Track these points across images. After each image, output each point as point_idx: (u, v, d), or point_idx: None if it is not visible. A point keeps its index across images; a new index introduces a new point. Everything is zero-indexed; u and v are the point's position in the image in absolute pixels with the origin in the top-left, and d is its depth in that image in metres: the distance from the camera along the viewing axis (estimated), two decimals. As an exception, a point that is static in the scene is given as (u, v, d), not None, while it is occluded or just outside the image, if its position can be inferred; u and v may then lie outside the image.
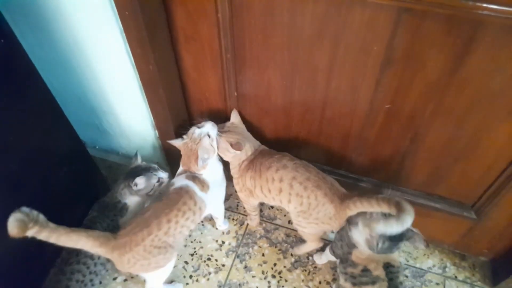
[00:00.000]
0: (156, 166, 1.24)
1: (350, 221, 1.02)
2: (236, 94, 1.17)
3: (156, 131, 1.24)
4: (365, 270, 1.02)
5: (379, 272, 1.00)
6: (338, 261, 1.15)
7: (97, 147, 1.42)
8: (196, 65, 1.13)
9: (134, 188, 1.19)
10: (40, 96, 0.95)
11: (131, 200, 1.23)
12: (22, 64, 0.89)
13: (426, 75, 0.89)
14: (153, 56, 1.00)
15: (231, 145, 1.12)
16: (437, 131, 1.00)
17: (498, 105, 0.88)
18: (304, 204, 1.09)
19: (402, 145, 1.08)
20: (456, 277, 1.33)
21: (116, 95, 1.17)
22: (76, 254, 1.09)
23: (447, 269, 1.35)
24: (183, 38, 1.05)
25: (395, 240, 0.94)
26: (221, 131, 1.14)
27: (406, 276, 1.33)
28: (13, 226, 0.81)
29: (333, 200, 1.05)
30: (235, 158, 1.17)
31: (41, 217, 0.86)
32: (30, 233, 0.84)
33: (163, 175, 1.25)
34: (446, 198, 1.19)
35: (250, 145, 1.18)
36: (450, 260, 1.37)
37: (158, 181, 1.23)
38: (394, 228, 0.85)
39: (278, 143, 1.30)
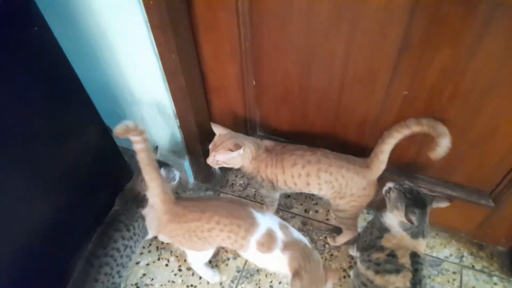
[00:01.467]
0: (170, 164, 1.27)
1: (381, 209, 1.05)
2: (254, 82, 1.19)
3: (178, 120, 1.28)
4: (392, 255, 1.02)
5: (405, 260, 1.00)
6: (358, 253, 1.15)
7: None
8: (215, 54, 1.16)
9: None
10: (69, 83, 1.00)
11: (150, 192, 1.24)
12: (53, 52, 0.93)
13: (443, 59, 0.90)
14: (175, 45, 1.04)
15: (231, 150, 1.14)
16: (454, 117, 1.01)
17: (516, 88, 0.89)
18: (335, 186, 1.15)
19: (419, 132, 1.09)
20: (473, 266, 1.32)
21: (139, 84, 1.21)
22: (103, 246, 1.12)
23: (464, 259, 1.34)
24: (203, 27, 1.08)
25: (421, 206, 0.99)
26: (215, 149, 1.16)
27: (423, 265, 1.33)
28: (120, 127, 0.95)
29: (357, 171, 1.13)
30: (244, 158, 1.19)
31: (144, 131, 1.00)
32: (131, 136, 0.99)
33: (177, 174, 1.27)
34: (463, 185, 1.19)
35: (249, 141, 1.20)
36: (467, 249, 1.37)
37: (174, 177, 1.26)
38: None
39: (295, 132, 1.33)
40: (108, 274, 1.11)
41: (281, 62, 1.09)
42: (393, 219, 1.04)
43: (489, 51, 0.84)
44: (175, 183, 1.28)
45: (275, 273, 1.32)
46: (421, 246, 1.03)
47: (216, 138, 1.20)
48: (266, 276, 1.32)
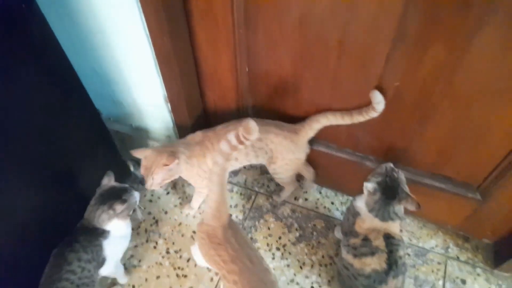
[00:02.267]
0: (128, 186, 1.15)
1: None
2: (247, 70, 1.18)
3: (169, 104, 1.27)
4: (366, 239, 1.06)
5: (379, 242, 1.03)
6: (342, 237, 1.18)
7: (111, 119, 1.46)
8: (208, 40, 1.14)
9: (117, 211, 1.08)
10: (59, 64, 0.98)
11: (110, 225, 1.11)
12: (42, 32, 0.91)
13: (436, 54, 0.89)
14: (168, 28, 1.03)
15: (167, 164, 1.10)
16: (445, 111, 1.01)
17: (508, 86, 0.88)
18: (268, 152, 1.21)
19: (410, 125, 1.09)
20: (458, 257, 1.35)
21: (130, 67, 1.19)
22: (58, 270, 1.02)
23: (449, 250, 1.37)
24: (197, 12, 1.06)
25: (388, 197, 1.03)
26: (150, 172, 1.11)
27: (408, 255, 1.35)
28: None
29: (286, 136, 1.18)
30: (182, 164, 1.16)
31: None
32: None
33: (137, 195, 1.15)
34: (452, 178, 1.20)
35: (177, 146, 1.18)
36: (453, 241, 1.39)
37: (135, 202, 1.14)
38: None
39: (286, 120, 1.32)
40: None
41: (275, 50, 1.08)
42: (361, 198, 1.08)
43: (483, 48, 0.83)
44: (136, 208, 1.17)
45: (262, 259, 1.34)
46: (394, 227, 1.06)
47: (144, 162, 1.13)
48: (254, 261, 1.34)
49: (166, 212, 1.47)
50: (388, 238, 1.04)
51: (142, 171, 1.14)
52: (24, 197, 1.01)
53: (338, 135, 1.27)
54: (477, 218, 1.26)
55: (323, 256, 1.35)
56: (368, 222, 1.07)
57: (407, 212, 1.39)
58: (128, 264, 1.34)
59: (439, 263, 1.34)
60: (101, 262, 1.11)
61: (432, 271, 1.32)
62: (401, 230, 1.40)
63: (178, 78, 1.17)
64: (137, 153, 1.15)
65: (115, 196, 1.09)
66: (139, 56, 1.13)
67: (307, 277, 1.31)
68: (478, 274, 1.31)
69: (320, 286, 1.29)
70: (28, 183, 1.01)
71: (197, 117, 1.35)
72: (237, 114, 1.36)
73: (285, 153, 1.21)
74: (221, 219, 0.98)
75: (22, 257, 1.06)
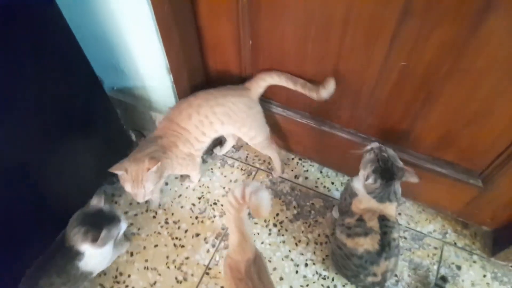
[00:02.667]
0: (117, 215, 1.09)
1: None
2: (251, 42, 1.16)
3: (171, 75, 1.26)
4: (360, 219, 1.06)
5: (373, 223, 1.03)
6: (338, 216, 1.18)
7: (114, 88, 1.46)
8: (211, 10, 1.12)
9: (89, 240, 1.02)
10: (58, 29, 0.97)
11: (85, 249, 1.05)
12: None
13: (444, 32, 0.85)
14: (169, -4, 1.00)
15: (149, 168, 1.07)
16: (450, 93, 0.97)
17: (517, 69, 0.85)
18: (231, 115, 1.21)
19: (414, 106, 1.06)
20: (455, 243, 1.34)
21: (133, 35, 1.18)
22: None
23: (447, 235, 1.36)
24: (199, -19, 1.04)
25: (388, 180, 1.01)
26: (139, 181, 1.08)
27: (405, 238, 1.35)
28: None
29: (241, 94, 1.22)
30: (163, 163, 1.14)
31: None
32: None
33: (124, 226, 1.10)
34: (454, 163, 1.18)
35: (147, 147, 1.14)
36: (452, 227, 1.38)
37: (119, 233, 1.10)
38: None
39: (291, 98, 1.31)
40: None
41: (279, 23, 1.05)
42: (359, 181, 1.07)
43: (491, 28, 0.79)
44: (119, 236, 1.11)
45: (258, 233, 1.36)
46: (390, 209, 1.06)
47: (128, 177, 1.08)
48: (250, 236, 1.36)
49: (166, 184, 1.49)
50: (383, 219, 1.04)
51: (128, 187, 1.09)
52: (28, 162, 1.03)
53: (342, 115, 1.25)
54: (478, 204, 1.25)
55: (319, 235, 1.36)
56: (365, 203, 1.07)
57: (407, 195, 1.40)
58: (127, 232, 1.37)
59: (435, 248, 1.33)
60: (78, 278, 1.07)
61: (428, 256, 1.31)
62: (399, 213, 1.40)
63: (180, 48, 1.16)
64: (115, 169, 1.07)
65: (98, 222, 1.03)
66: (140, 25, 1.11)
67: (302, 254, 1.32)
68: (474, 261, 1.30)
69: (314, 264, 1.30)
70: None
71: (199, 89, 1.33)
72: (240, 89, 1.34)
73: (247, 109, 1.23)
74: (245, 254, 0.97)
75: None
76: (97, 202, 1.08)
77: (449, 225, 1.38)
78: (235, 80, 1.32)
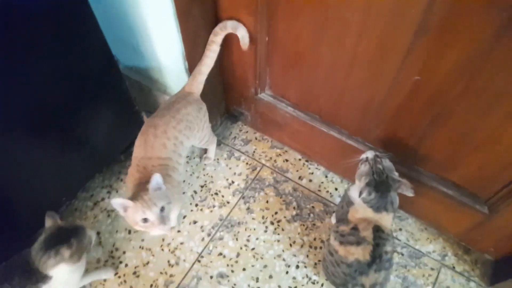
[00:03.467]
0: (80, 226, 1.05)
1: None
2: (267, 39, 1.15)
3: (186, 63, 1.27)
4: (355, 228, 1.05)
5: (367, 233, 1.02)
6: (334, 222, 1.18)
7: (133, 68, 1.49)
8: (231, 3, 1.12)
9: (63, 256, 0.98)
10: (76, 4, 0.99)
11: (57, 270, 1.01)
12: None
13: (460, 50, 0.82)
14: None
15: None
16: (461, 115, 0.94)
17: (533, 97, 0.80)
18: (192, 126, 1.19)
19: (423, 123, 1.03)
20: (454, 267, 1.30)
21: (153, 18, 1.18)
22: None
23: (446, 258, 1.32)
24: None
25: (383, 192, 1.00)
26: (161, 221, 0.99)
27: (402, 254, 1.32)
28: None
29: (190, 101, 1.20)
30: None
31: None
32: None
33: (92, 234, 1.08)
34: (461, 186, 1.14)
35: (132, 187, 1.07)
36: (453, 250, 1.34)
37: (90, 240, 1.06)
38: None
39: (301, 101, 1.30)
40: None
41: (295, 23, 1.04)
42: (356, 191, 1.05)
43: (508, 51, 0.75)
44: (91, 246, 1.08)
45: (254, 229, 1.37)
46: (386, 220, 1.04)
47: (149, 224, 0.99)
48: (245, 229, 1.37)
49: (172, 168, 1.52)
50: (377, 231, 1.03)
51: (156, 231, 1.05)
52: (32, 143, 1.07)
53: (351, 123, 1.23)
54: (482, 231, 1.20)
55: (315, 239, 1.35)
56: (361, 212, 1.06)
57: (411, 212, 1.37)
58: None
59: (432, 269, 1.30)
60: None
61: (423, 275, 1.28)
62: (400, 229, 1.37)
63: (197, 37, 1.16)
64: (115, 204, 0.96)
65: (63, 238, 0.99)
66: (161, 9, 1.12)
67: (294, 255, 1.32)
68: (471, 288, 1.26)
69: (305, 267, 1.30)
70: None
71: (213, 79, 1.34)
72: (254, 83, 1.34)
73: (198, 113, 1.23)
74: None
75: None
76: (52, 222, 1.03)
77: (450, 248, 1.34)
78: (250, 76, 1.32)
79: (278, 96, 1.36)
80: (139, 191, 0.98)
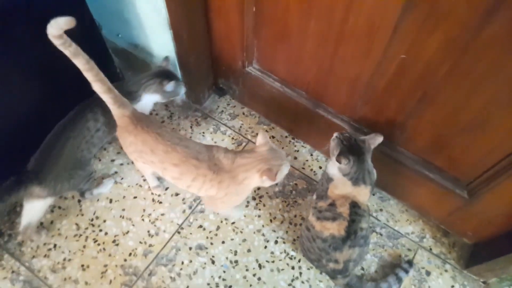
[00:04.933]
0: (179, 78, 1.28)
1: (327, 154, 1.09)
2: (254, 9, 1.11)
3: (171, 31, 1.23)
4: (332, 204, 1.05)
5: (343, 209, 1.03)
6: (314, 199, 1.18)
7: (119, 35, 1.44)
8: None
9: (165, 87, 1.24)
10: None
11: (147, 95, 1.27)
12: None
13: (448, 28, 0.79)
14: None
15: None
16: (447, 95, 0.92)
17: (520, 79, 0.78)
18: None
19: (409, 102, 1.01)
20: (431, 249, 1.31)
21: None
22: (73, 122, 1.16)
23: (424, 240, 1.33)
24: None
25: (356, 152, 1.02)
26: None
27: (381, 234, 1.33)
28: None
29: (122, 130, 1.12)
30: None
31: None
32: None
33: (183, 89, 1.30)
34: (443, 170, 1.14)
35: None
36: (431, 232, 1.35)
37: (179, 92, 1.29)
38: None
39: (289, 75, 1.27)
40: (75, 147, 1.16)
41: (283, -7, 1.00)
42: (334, 166, 1.06)
43: (500, 29, 0.72)
44: (179, 97, 1.31)
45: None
46: (363, 194, 1.05)
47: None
48: (227, 204, 1.37)
49: (157, 139, 1.50)
50: (354, 206, 1.03)
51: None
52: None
53: (338, 100, 1.21)
54: (461, 216, 1.21)
55: (295, 216, 1.36)
56: (340, 187, 1.06)
57: (393, 194, 1.37)
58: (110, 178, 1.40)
59: (409, 250, 1.31)
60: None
61: (399, 256, 1.30)
62: (381, 209, 1.38)
63: (182, 5, 1.12)
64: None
65: (167, 76, 1.24)
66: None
67: (274, 231, 1.33)
68: (446, 270, 1.28)
69: (284, 243, 1.31)
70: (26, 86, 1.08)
71: (200, 51, 1.31)
72: (241, 56, 1.31)
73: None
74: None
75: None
76: (165, 63, 1.30)
77: (429, 230, 1.35)
78: (237, 49, 1.28)
79: (266, 71, 1.33)
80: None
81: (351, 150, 1.02)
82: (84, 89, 0.99)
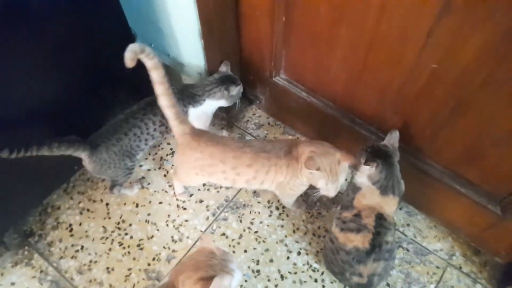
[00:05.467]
0: (238, 79, 1.30)
1: (354, 167, 1.08)
2: (284, 19, 1.13)
3: (202, 41, 1.27)
4: (357, 215, 1.03)
5: (369, 221, 1.00)
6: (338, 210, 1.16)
7: (152, 45, 1.50)
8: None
9: (231, 92, 1.27)
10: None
11: (210, 100, 1.30)
12: None
13: (486, 35, 0.78)
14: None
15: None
16: (483, 105, 0.90)
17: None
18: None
19: (442, 112, 1.00)
20: (461, 267, 1.26)
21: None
22: (143, 113, 1.22)
23: (454, 257, 1.28)
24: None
25: (382, 155, 1.01)
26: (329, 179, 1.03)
27: (408, 250, 1.29)
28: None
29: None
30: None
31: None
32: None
33: (241, 89, 1.33)
34: (474, 184, 1.10)
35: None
36: (462, 250, 1.30)
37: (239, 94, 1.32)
38: None
39: (317, 84, 1.27)
40: (136, 135, 1.22)
41: (314, 1, 1.01)
42: (363, 174, 1.04)
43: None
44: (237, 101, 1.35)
45: (259, 212, 1.36)
46: (390, 205, 1.03)
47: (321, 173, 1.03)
48: (250, 212, 1.37)
49: (182, 147, 1.53)
50: (380, 218, 1.01)
51: (323, 183, 1.05)
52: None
53: (367, 110, 1.20)
54: (494, 233, 1.16)
55: (319, 227, 1.34)
56: (368, 196, 1.04)
57: (421, 208, 1.33)
58: (137, 183, 1.43)
59: (437, 267, 1.26)
60: None
61: (427, 273, 1.25)
62: (408, 224, 1.34)
63: (214, 15, 1.15)
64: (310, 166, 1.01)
65: (231, 81, 1.27)
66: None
67: (297, 241, 1.31)
68: (477, 290, 1.23)
69: (307, 254, 1.29)
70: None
71: (230, 60, 1.33)
72: (269, 65, 1.32)
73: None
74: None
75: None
76: (226, 69, 1.30)
77: (459, 247, 1.30)
78: (266, 57, 1.30)
79: (293, 81, 1.34)
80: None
81: (377, 154, 1.01)
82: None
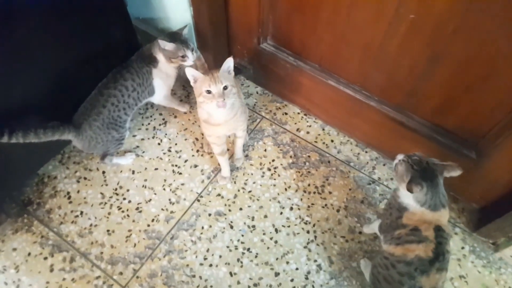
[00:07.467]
0: (193, 46, 1.30)
1: (395, 189, 1.05)
2: (270, -18, 1.19)
3: (191, 8, 1.31)
4: (415, 229, 0.98)
5: (429, 233, 0.95)
6: (382, 236, 1.11)
7: (140, 17, 1.53)
8: None
9: (161, 45, 1.27)
10: None
11: (160, 56, 1.32)
12: None
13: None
14: None
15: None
16: (455, 53, 0.98)
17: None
18: None
19: (420, 64, 1.08)
20: (441, 215, 1.36)
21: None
22: (114, 81, 1.26)
23: (434, 206, 1.38)
24: None
25: (429, 177, 0.94)
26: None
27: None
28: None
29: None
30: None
31: None
32: None
33: (190, 55, 1.29)
34: (452, 132, 1.19)
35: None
36: (441, 199, 1.39)
37: (183, 57, 1.28)
38: None
39: (303, 47, 1.34)
40: (114, 105, 1.26)
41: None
42: (408, 196, 0.98)
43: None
44: (186, 63, 1.30)
45: (252, 174, 1.43)
46: (444, 217, 0.99)
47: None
48: (243, 174, 1.43)
49: (175, 116, 1.57)
50: (439, 230, 0.96)
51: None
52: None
53: (350, 69, 1.28)
54: (470, 179, 1.26)
55: (309, 184, 1.42)
56: (418, 215, 0.98)
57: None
58: (131, 152, 1.47)
59: (420, 216, 1.36)
60: (150, 90, 1.38)
61: (411, 221, 1.34)
62: (391, 178, 1.43)
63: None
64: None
65: (169, 36, 1.28)
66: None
67: (289, 198, 1.38)
68: (456, 233, 1.33)
69: (299, 209, 1.36)
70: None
71: (217, 29, 1.38)
72: (257, 32, 1.38)
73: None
74: None
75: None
76: (181, 30, 1.31)
77: (438, 197, 1.40)
78: (253, 24, 1.36)
79: (280, 46, 1.40)
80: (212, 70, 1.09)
81: (423, 175, 0.94)
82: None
